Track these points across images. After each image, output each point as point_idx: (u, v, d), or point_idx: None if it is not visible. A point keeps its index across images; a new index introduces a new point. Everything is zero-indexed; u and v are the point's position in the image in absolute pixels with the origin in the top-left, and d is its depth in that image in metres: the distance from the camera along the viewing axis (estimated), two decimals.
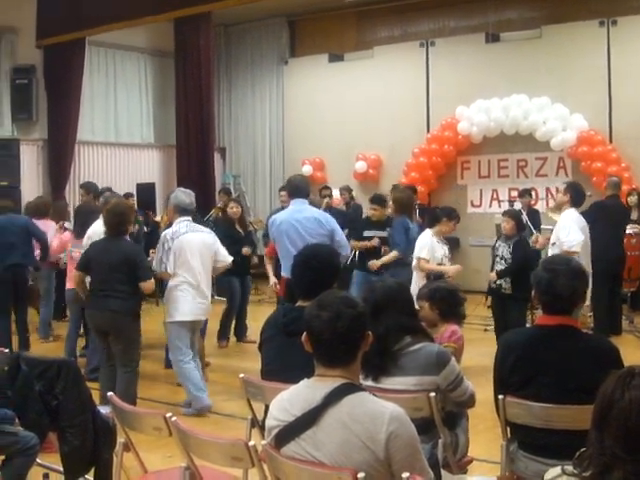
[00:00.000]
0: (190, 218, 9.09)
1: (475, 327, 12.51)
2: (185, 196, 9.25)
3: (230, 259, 9.38)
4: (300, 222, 8.96)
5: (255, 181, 21.38)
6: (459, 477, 4.81)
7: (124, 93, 20.07)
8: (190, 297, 8.79)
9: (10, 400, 5.85)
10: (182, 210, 9.11)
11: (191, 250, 8.83)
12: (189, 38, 19.31)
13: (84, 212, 11.18)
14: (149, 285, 8.56)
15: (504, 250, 10.43)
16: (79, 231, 10.77)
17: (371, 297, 5.04)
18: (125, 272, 8.41)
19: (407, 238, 10.77)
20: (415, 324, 5.21)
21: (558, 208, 10.77)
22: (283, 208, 13.74)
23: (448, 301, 6.50)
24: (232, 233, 12.14)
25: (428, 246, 10.03)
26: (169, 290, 8.91)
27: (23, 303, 11.95)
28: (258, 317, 12.17)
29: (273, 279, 10.89)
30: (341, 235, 9.18)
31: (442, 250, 10.16)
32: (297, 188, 9.37)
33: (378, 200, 11.72)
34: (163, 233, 9.13)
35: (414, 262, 10.10)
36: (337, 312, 3.63)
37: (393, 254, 10.95)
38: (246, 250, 12.23)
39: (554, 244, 10.41)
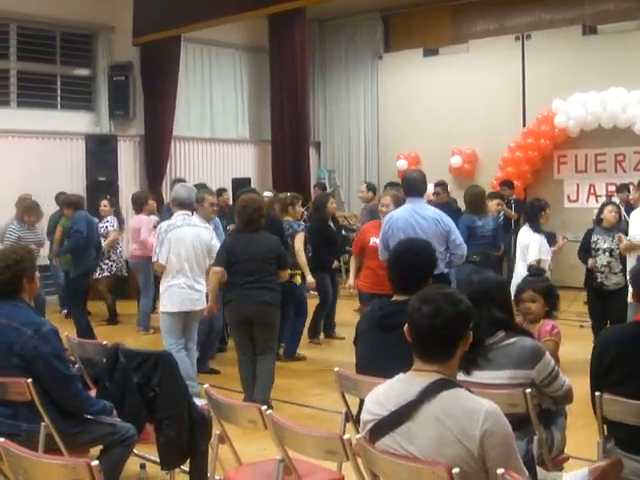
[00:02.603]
0: (189, 212, 9.19)
1: (571, 323, 12.35)
2: (184, 190, 9.42)
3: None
4: (417, 222, 8.75)
5: (350, 176, 21.39)
6: (554, 474, 4.75)
7: (219, 89, 20.24)
8: (181, 289, 8.92)
9: (108, 391, 5.95)
10: (180, 204, 9.24)
11: (184, 243, 8.94)
12: (284, 34, 19.39)
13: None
14: (286, 273, 9.16)
15: (606, 242, 10.30)
16: None
17: (467, 290, 5.00)
18: (273, 264, 8.76)
19: (468, 236, 10.57)
20: (508, 320, 5.12)
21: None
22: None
23: (556, 297, 6.40)
24: (326, 230, 12.05)
25: (543, 246, 9.99)
26: (162, 281, 9.11)
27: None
28: (340, 311, 12.34)
29: (351, 280, 10.64)
30: (457, 234, 8.97)
31: (547, 244, 10.11)
32: (414, 185, 9.13)
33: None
34: (159, 225, 9.57)
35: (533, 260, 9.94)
36: (437, 308, 3.60)
37: None
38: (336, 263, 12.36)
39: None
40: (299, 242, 10.97)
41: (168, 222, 9.24)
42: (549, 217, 10.45)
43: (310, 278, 11.07)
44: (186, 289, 8.92)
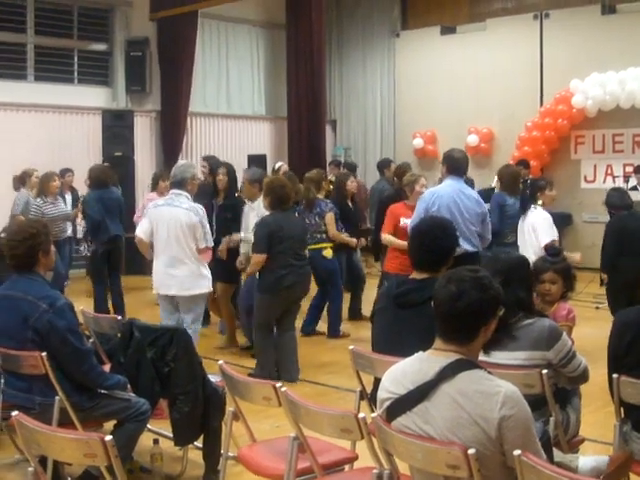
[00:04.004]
0: (179, 191, 8.70)
1: (587, 305, 12.32)
2: (174, 169, 9.15)
3: (203, 245, 8.66)
4: (462, 199, 8.79)
5: (366, 154, 21.32)
6: (571, 456, 4.72)
7: (236, 65, 20.20)
8: (157, 271, 8.72)
9: (123, 366, 5.96)
10: (171, 183, 9.04)
11: (162, 223, 8.62)
12: (301, 10, 19.32)
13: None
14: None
15: None
16: None
17: (492, 268, 4.93)
18: (305, 240, 9.16)
19: (500, 215, 10.49)
20: (531, 301, 5.08)
21: None
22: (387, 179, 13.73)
23: (574, 278, 6.30)
24: (344, 209, 11.91)
25: (553, 226, 9.82)
26: None
27: (117, 271, 12.27)
28: (367, 290, 12.25)
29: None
30: (489, 219, 9.12)
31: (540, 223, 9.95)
32: (459, 165, 9.12)
33: None
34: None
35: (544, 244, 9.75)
36: (461, 290, 3.54)
37: None
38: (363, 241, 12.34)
39: None
40: (331, 224, 10.97)
41: (155, 201, 9.27)
42: (549, 198, 10.27)
43: (353, 240, 11.39)
44: (160, 273, 8.70)
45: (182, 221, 8.55)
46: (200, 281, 8.69)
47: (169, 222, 8.58)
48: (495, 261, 5.12)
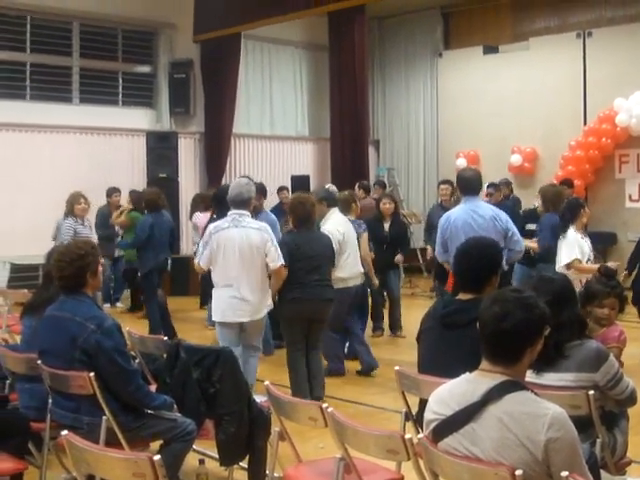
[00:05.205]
0: (243, 211, 8.33)
1: (633, 325, 12.20)
2: (234, 187, 8.57)
3: (279, 264, 8.31)
4: (475, 220, 8.71)
5: (409, 174, 21.36)
6: (619, 478, 4.69)
7: (279, 86, 20.33)
8: (226, 297, 8.27)
9: (169, 387, 5.99)
10: (231, 202, 8.44)
11: (231, 247, 8.19)
12: (343, 32, 19.35)
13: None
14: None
15: None
16: None
17: (549, 288, 4.92)
18: (331, 261, 8.99)
19: (552, 234, 10.39)
20: (586, 322, 5.09)
21: None
22: (442, 204, 13.67)
23: (626, 300, 6.20)
24: (375, 228, 12.03)
25: (577, 244, 9.71)
26: (214, 287, 8.54)
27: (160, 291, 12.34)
28: (411, 310, 12.24)
29: None
30: (514, 230, 8.92)
31: (587, 244, 9.83)
32: (470, 184, 9.06)
33: None
34: (209, 225, 8.88)
35: (564, 264, 9.66)
36: (506, 311, 3.55)
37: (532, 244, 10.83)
38: (398, 258, 12.46)
39: None
40: (364, 244, 10.79)
41: (216, 223, 8.56)
42: (585, 215, 10.19)
43: (376, 282, 11.34)
44: (235, 300, 8.22)
45: (254, 242, 8.20)
46: (267, 301, 8.53)
47: (240, 245, 8.19)
48: (551, 281, 5.11)
